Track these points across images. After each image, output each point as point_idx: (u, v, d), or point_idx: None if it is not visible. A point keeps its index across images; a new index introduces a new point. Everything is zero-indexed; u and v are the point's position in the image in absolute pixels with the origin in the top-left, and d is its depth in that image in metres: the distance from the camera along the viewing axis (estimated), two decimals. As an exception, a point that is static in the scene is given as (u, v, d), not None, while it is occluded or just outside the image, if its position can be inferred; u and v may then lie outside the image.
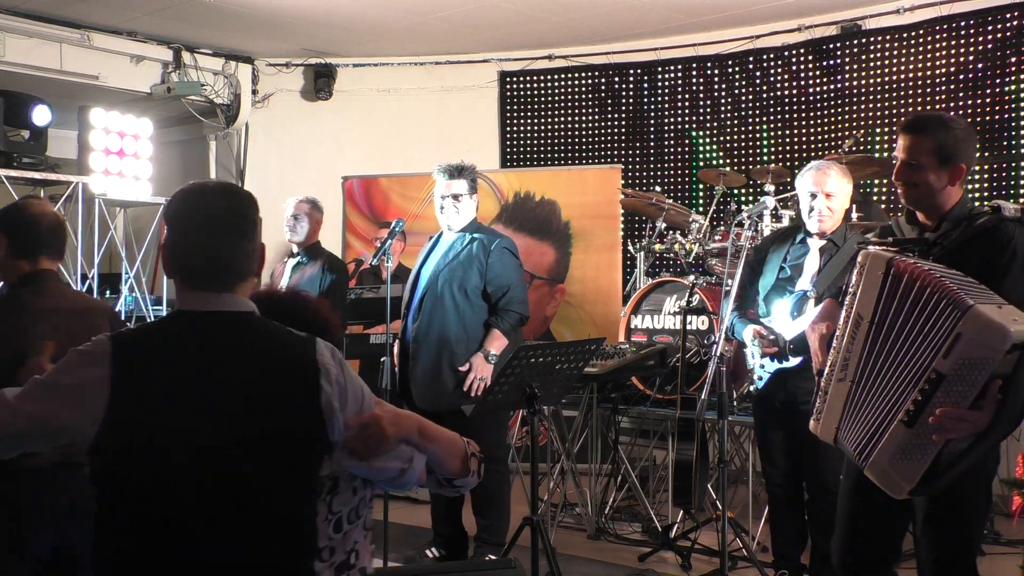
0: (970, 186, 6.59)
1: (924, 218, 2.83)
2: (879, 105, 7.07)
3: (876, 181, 6.79)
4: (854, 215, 5.59)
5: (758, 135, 7.61)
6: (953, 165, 2.72)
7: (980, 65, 6.65)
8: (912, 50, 6.92)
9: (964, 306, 2.33)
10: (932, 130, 2.74)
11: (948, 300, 2.36)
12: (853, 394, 2.60)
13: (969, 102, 6.68)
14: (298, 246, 5.63)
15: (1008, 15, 6.57)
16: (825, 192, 4.06)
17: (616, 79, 8.13)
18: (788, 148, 7.44)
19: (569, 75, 8.28)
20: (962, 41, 6.73)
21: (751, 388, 4.19)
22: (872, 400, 2.54)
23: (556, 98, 8.32)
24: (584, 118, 8.24)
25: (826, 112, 7.30)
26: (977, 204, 2.95)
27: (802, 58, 7.40)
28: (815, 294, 4.02)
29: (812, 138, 7.36)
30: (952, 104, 6.71)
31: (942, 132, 2.73)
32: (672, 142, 7.96)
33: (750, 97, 7.64)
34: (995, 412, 2.31)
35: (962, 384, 2.33)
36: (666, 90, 7.97)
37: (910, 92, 6.92)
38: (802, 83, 7.40)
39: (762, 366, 4.13)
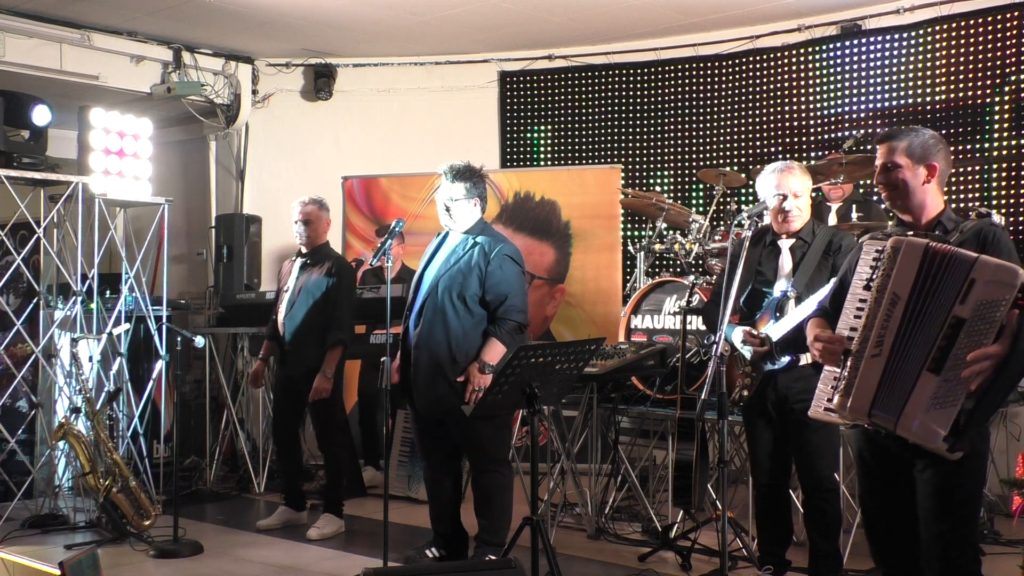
0: (971, 185, 6.60)
1: (910, 221, 3.05)
2: (879, 105, 7.07)
3: (874, 187, 6.78)
4: (854, 215, 5.60)
5: (758, 135, 7.61)
6: (927, 163, 3.00)
7: (980, 65, 6.66)
8: (912, 50, 6.93)
9: (972, 257, 2.67)
10: (901, 135, 3.05)
11: (959, 257, 2.69)
12: (890, 367, 2.77)
13: (969, 102, 6.69)
14: (306, 247, 5.64)
15: (1008, 15, 6.57)
16: (793, 192, 4.13)
17: (616, 79, 8.13)
18: (788, 148, 7.44)
19: (569, 75, 8.28)
20: (962, 41, 6.73)
21: (743, 392, 4.19)
22: (908, 368, 2.75)
23: (556, 98, 8.32)
24: (584, 118, 8.24)
25: (826, 112, 7.30)
26: (959, 208, 3.23)
27: (802, 58, 7.41)
28: (795, 294, 4.04)
29: (812, 138, 7.36)
30: (952, 104, 6.72)
31: (911, 135, 3.04)
32: (672, 142, 7.97)
33: (750, 97, 7.64)
34: (1012, 341, 2.59)
35: (982, 324, 2.62)
36: (666, 90, 7.97)
37: (910, 92, 6.93)
38: (802, 83, 7.41)
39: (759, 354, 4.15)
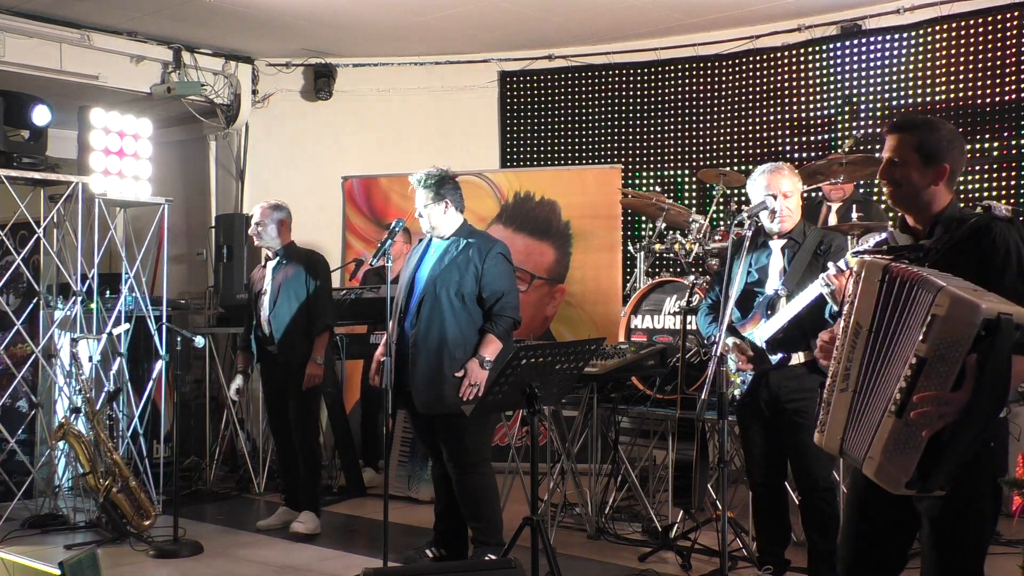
0: (971, 186, 6.61)
1: (913, 221, 2.84)
2: (879, 105, 7.07)
3: (876, 181, 6.78)
4: (854, 215, 5.59)
5: (758, 135, 7.61)
6: (937, 164, 2.74)
7: (980, 65, 6.66)
8: (912, 50, 6.93)
9: (935, 287, 2.37)
10: (916, 129, 2.77)
11: (923, 287, 2.41)
12: (856, 403, 2.58)
13: (969, 102, 6.69)
14: (272, 250, 5.64)
15: (1008, 15, 6.57)
16: (782, 192, 4.16)
17: (616, 79, 8.13)
18: (788, 148, 7.44)
19: (569, 75, 8.28)
20: (962, 41, 6.73)
21: (734, 392, 4.21)
22: (874, 405, 2.54)
23: (556, 98, 8.32)
24: (584, 118, 8.24)
25: (826, 112, 7.30)
26: (967, 206, 2.95)
27: (802, 58, 7.41)
28: (785, 292, 4.06)
29: (812, 138, 7.36)
30: (952, 104, 6.72)
31: (927, 131, 2.76)
32: (672, 142, 7.97)
33: (750, 97, 7.64)
34: (973, 387, 2.32)
35: (942, 365, 2.35)
36: (666, 90, 7.97)
37: (910, 92, 6.93)
38: (802, 83, 7.41)
39: (743, 370, 4.17)
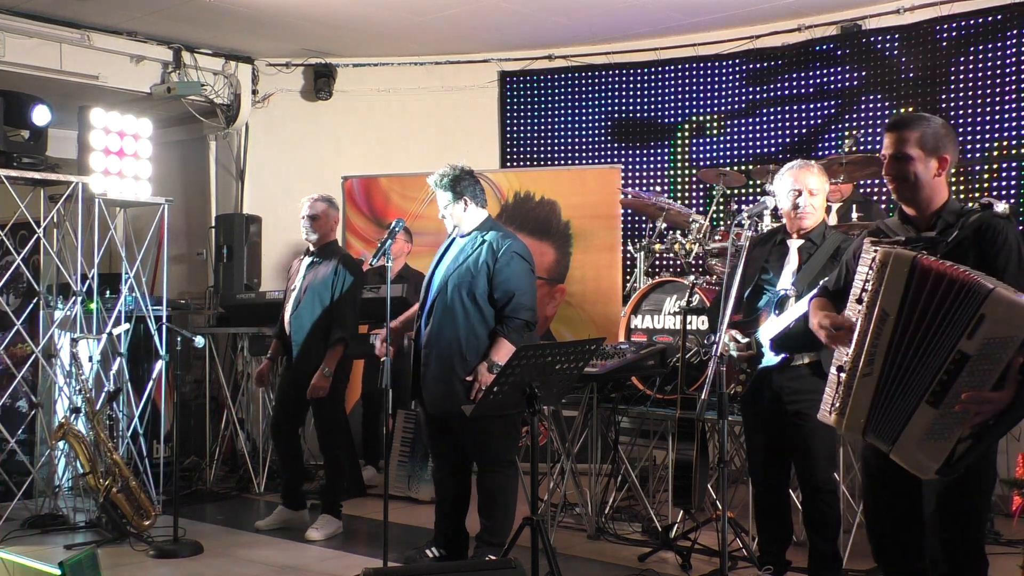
0: (971, 186, 6.61)
1: (914, 213, 2.95)
2: (879, 105, 7.07)
3: (876, 181, 6.79)
4: (854, 215, 5.59)
5: (758, 135, 7.61)
6: (938, 155, 2.89)
7: (980, 65, 6.66)
8: (912, 50, 6.92)
9: (986, 289, 2.47)
10: (914, 124, 2.93)
11: (971, 285, 2.50)
12: (882, 388, 2.67)
13: (969, 102, 6.68)
14: (314, 245, 5.62)
15: (1008, 15, 6.57)
16: (809, 189, 4.14)
17: (616, 79, 8.12)
18: (788, 148, 7.44)
19: (569, 75, 8.28)
20: (962, 41, 6.73)
21: (737, 389, 4.21)
22: (902, 391, 2.63)
23: (556, 98, 8.32)
24: (584, 118, 8.24)
25: (826, 112, 7.30)
26: (968, 202, 3.09)
27: (802, 58, 7.41)
28: (794, 292, 4.05)
29: (812, 138, 7.36)
30: (952, 104, 6.72)
31: (923, 125, 2.92)
32: (672, 142, 7.96)
33: (750, 97, 7.64)
34: (1016, 390, 2.45)
35: (986, 363, 2.46)
36: (666, 90, 7.97)
37: (910, 92, 6.93)
38: (802, 83, 7.41)
39: (747, 366, 4.17)
